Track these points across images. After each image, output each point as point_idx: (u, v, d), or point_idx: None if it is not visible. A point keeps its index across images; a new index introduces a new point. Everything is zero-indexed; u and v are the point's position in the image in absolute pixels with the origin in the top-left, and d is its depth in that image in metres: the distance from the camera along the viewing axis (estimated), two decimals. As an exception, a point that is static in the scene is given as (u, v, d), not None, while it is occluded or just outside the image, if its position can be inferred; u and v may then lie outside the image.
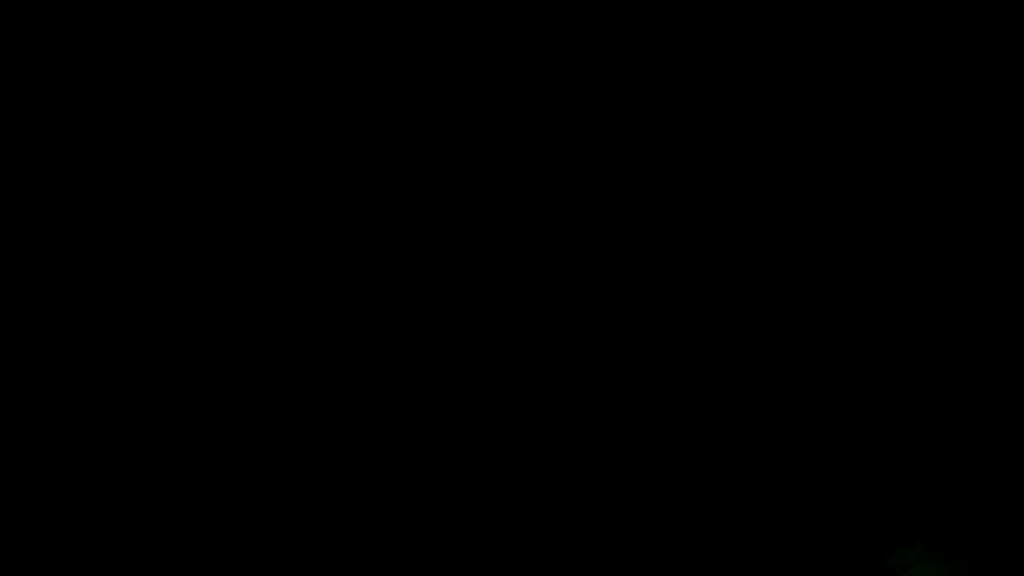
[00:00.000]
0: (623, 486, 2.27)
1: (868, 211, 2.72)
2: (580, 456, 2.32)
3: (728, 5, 2.99)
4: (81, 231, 2.66)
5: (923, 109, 2.87)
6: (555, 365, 2.48)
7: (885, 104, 2.89)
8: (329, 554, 2.17)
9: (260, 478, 2.28)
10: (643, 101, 2.90)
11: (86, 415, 2.37)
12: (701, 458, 2.31)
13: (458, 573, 2.16)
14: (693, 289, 2.60)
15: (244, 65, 2.88)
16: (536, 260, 2.65)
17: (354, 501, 2.25)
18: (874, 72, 2.94)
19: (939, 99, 2.89)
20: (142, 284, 2.59)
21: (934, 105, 2.88)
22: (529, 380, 2.45)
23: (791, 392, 2.42)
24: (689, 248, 2.68)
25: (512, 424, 2.37)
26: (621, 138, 2.84)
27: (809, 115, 2.87)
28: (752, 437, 2.35)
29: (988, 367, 2.45)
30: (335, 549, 2.18)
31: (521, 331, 2.53)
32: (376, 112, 2.86)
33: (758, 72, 2.93)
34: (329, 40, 2.90)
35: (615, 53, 2.97)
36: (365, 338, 2.52)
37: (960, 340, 2.50)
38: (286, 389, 2.42)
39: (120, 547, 2.17)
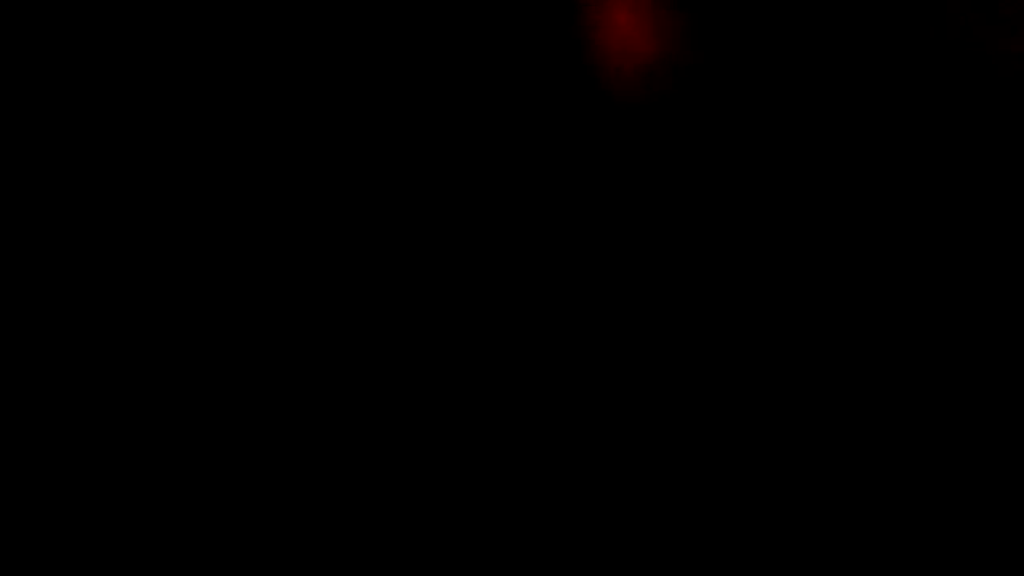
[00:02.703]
0: (623, 486, 2.28)
1: (868, 211, 2.73)
2: (580, 456, 2.33)
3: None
4: (80, 231, 2.66)
5: (923, 109, 2.88)
6: (554, 365, 2.48)
7: (885, 104, 2.89)
8: (329, 554, 2.18)
9: (259, 478, 2.28)
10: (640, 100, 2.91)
11: (86, 415, 2.37)
12: (701, 458, 2.32)
13: (458, 573, 2.16)
14: (693, 289, 2.61)
15: (243, 65, 2.88)
16: (535, 258, 2.65)
17: (354, 501, 2.25)
18: (874, 72, 2.94)
19: (940, 99, 2.89)
20: (142, 284, 2.59)
21: (934, 105, 2.88)
22: (529, 379, 2.45)
23: (791, 392, 2.43)
24: (688, 247, 2.68)
25: (512, 424, 2.38)
26: (620, 137, 2.84)
27: (809, 114, 2.88)
28: (752, 437, 2.35)
29: (988, 367, 2.46)
30: (335, 549, 2.18)
31: (520, 330, 2.53)
32: (374, 112, 2.86)
33: (758, 70, 2.94)
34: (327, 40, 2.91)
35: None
36: (363, 337, 2.52)
37: (960, 341, 2.51)
38: (285, 389, 2.43)
39: (120, 547, 2.17)
